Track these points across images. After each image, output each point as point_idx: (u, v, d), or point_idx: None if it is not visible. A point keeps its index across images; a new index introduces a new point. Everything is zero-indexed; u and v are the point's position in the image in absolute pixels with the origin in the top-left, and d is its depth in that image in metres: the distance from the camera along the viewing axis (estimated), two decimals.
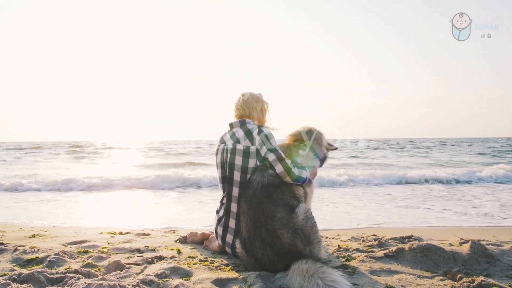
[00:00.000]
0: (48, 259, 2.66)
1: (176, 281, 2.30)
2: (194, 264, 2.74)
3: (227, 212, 2.90)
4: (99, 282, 2.03)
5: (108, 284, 2.02)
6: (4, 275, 2.29)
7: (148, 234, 3.91)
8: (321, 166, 3.19)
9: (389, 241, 3.44)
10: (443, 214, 5.89)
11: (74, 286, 2.08)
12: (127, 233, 3.96)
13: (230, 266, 2.70)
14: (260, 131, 2.82)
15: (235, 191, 2.84)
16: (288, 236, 2.44)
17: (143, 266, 2.60)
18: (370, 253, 2.98)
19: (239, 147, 2.82)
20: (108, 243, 3.34)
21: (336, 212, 6.06)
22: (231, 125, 3.02)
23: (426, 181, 10.61)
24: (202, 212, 6.11)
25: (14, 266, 2.58)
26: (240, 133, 2.88)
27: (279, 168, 2.68)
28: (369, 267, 2.66)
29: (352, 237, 3.72)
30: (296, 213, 2.54)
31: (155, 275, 2.38)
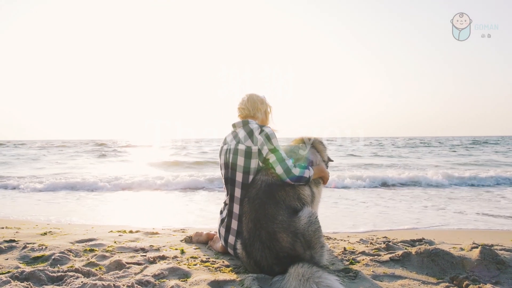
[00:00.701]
0: (53, 257, 2.72)
1: (173, 282, 2.30)
2: (195, 265, 2.73)
3: (230, 213, 2.88)
4: (94, 282, 2.06)
5: (102, 284, 2.04)
6: (8, 272, 2.36)
7: (156, 233, 3.94)
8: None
9: (398, 244, 3.33)
10: (465, 216, 5.66)
11: (71, 285, 2.12)
12: (136, 231, 4.01)
13: (230, 268, 2.68)
14: (261, 131, 2.78)
15: (237, 192, 2.81)
16: (288, 239, 2.40)
17: (143, 266, 2.62)
18: (376, 256, 2.89)
19: (241, 147, 2.79)
20: (115, 242, 3.38)
21: (383, 213, 5.98)
22: (234, 126, 3.00)
23: (459, 181, 10.17)
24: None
25: (20, 263, 2.65)
26: (242, 133, 2.86)
27: (279, 169, 2.65)
28: (373, 271, 2.58)
29: (361, 240, 3.63)
30: (299, 217, 2.49)
31: (152, 276, 2.39)
